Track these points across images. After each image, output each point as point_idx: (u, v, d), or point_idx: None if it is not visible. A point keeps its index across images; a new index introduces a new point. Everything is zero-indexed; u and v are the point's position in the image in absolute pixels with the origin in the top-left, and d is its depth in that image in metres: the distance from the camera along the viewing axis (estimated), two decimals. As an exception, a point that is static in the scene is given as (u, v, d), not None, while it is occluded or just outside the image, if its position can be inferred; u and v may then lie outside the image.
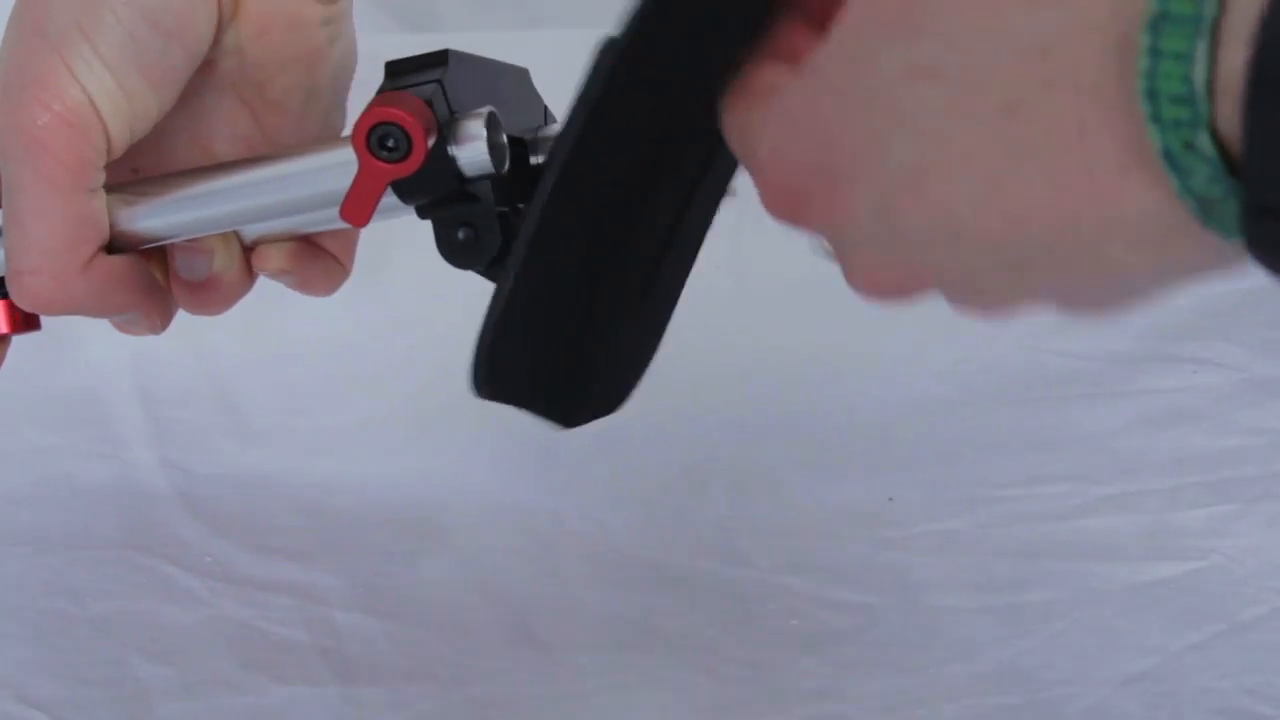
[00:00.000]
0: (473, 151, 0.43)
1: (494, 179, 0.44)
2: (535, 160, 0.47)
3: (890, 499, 0.53)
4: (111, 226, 0.45)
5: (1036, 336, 0.60)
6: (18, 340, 0.56)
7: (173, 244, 0.46)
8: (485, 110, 0.43)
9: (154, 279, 0.47)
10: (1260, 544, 0.51)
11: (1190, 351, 0.60)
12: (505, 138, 0.44)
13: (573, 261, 0.43)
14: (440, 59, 0.44)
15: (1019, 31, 0.32)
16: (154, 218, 0.46)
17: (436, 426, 0.56)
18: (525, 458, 0.56)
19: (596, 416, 0.46)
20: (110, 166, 0.44)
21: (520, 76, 0.49)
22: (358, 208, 0.43)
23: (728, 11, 0.40)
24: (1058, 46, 0.32)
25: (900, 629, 0.49)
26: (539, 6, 0.85)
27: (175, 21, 0.44)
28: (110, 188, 0.45)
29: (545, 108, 0.49)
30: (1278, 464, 0.54)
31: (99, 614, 0.50)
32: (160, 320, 0.48)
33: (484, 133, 0.43)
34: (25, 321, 0.48)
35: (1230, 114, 0.29)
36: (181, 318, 0.60)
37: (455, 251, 0.45)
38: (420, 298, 0.59)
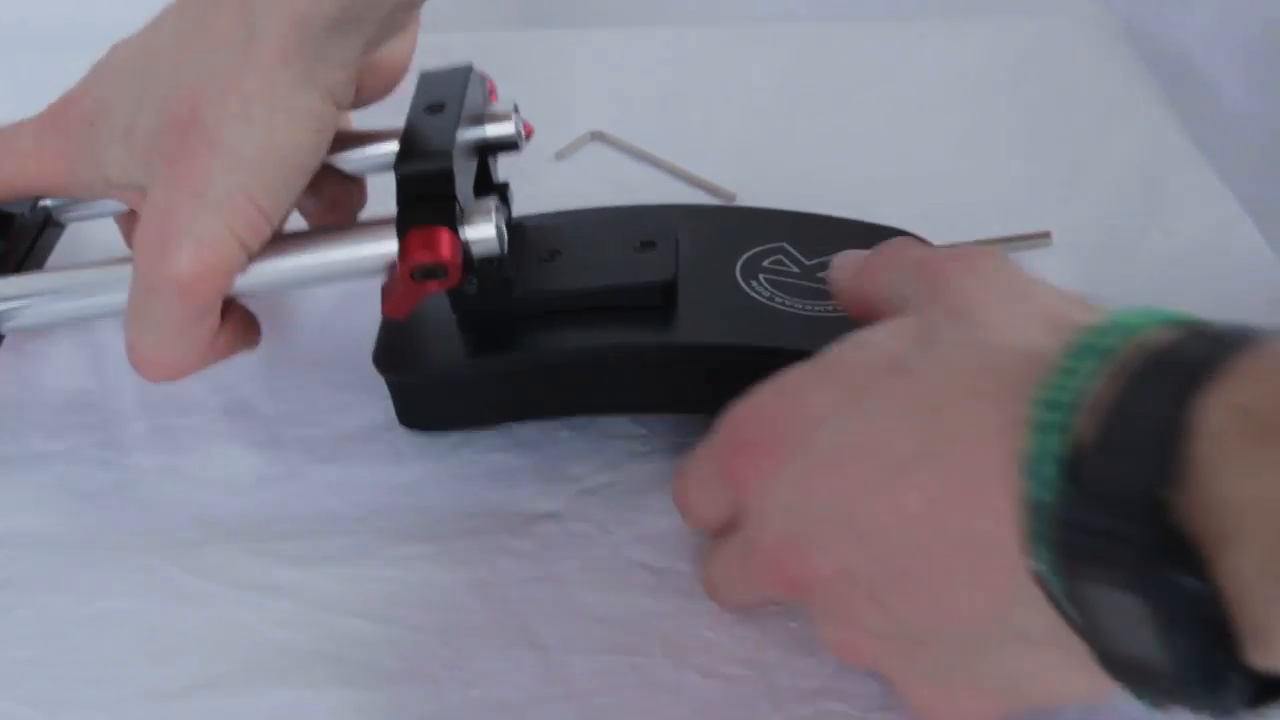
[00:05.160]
0: (486, 247, 0.50)
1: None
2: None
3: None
4: None
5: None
6: (20, 345, 0.56)
7: None
8: (492, 203, 0.50)
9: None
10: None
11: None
12: (506, 219, 0.51)
13: None
14: (445, 158, 0.49)
15: (976, 355, 0.40)
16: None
17: (438, 435, 0.57)
18: (525, 460, 0.56)
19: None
20: None
21: (469, 77, 0.55)
22: (399, 308, 0.50)
23: None
24: (995, 367, 0.39)
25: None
26: (539, 6, 0.85)
27: (317, 160, 0.50)
28: None
29: (489, 86, 0.57)
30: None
31: (99, 615, 0.50)
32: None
33: (494, 231, 0.49)
34: None
35: (1088, 422, 0.36)
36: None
37: (466, 300, 0.52)
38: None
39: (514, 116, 0.55)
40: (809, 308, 0.54)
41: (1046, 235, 0.66)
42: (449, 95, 0.53)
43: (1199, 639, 0.34)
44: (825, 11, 0.86)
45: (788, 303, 0.54)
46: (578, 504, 0.54)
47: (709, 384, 0.52)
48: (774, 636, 0.49)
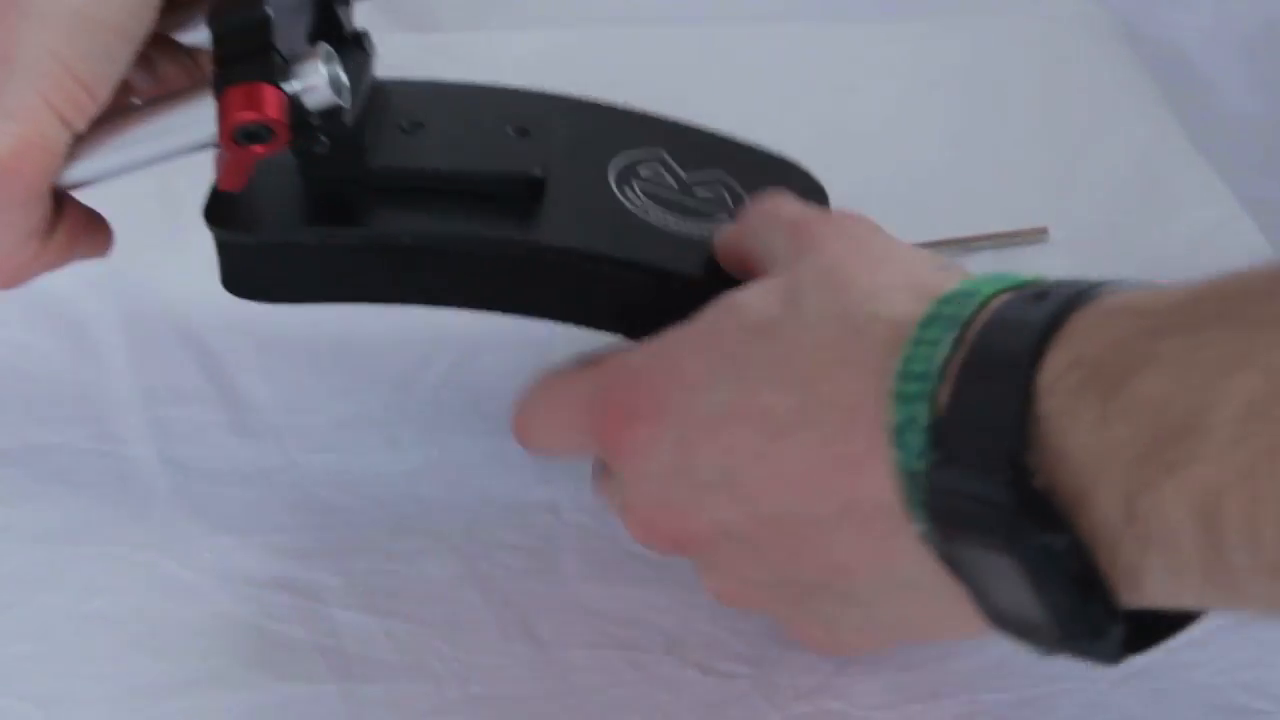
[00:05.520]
0: (318, 98, 0.45)
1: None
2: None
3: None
4: None
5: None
6: (16, 337, 0.56)
7: None
8: (321, 49, 0.45)
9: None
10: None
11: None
12: (341, 69, 0.46)
13: None
14: (257, 5, 0.44)
15: (842, 322, 0.41)
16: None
17: (435, 422, 0.56)
18: (523, 453, 0.55)
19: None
20: None
21: None
22: (233, 180, 0.46)
23: None
24: (860, 334, 0.40)
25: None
26: (538, 6, 0.85)
27: (142, 28, 0.46)
28: None
29: None
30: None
31: (97, 610, 0.50)
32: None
33: (323, 80, 0.45)
34: None
35: (947, 390, 0.37)
36: (184, 318, 0.60)
37: (315, 164, 0.48)
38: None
39: None
40: (682, 226, 0.51)
41: (1043, 231, 0.66)
42: None
43: (1072, 593, 0.35)
44: (824, 11, 0.86)
45: (661, 218, 0.51)
46: (575, 492, 0.54)
47: (566, 291, 0.50)
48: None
